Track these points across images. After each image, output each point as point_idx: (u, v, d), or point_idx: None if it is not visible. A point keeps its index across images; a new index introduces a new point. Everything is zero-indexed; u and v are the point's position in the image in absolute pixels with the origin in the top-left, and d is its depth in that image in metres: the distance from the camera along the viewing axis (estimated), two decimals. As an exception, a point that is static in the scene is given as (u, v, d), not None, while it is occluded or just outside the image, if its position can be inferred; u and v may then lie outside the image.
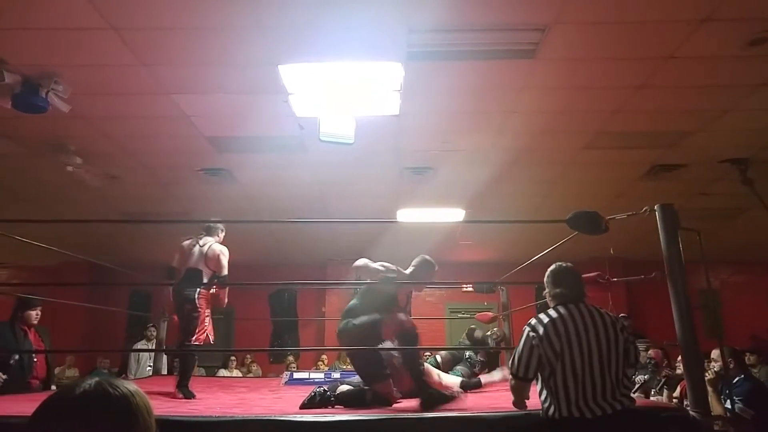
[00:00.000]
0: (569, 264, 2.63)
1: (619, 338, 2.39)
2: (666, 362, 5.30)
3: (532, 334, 2.39)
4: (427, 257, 3.69)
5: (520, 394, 2.47)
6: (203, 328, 4.22)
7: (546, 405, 2.39)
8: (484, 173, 6.31)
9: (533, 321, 2.46)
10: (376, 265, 3.43)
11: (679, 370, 4.51)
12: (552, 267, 2.62)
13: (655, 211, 3.12)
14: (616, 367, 2.35)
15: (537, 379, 2.44)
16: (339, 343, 3.54)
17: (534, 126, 5.18)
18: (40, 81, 4.13)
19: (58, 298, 5.33)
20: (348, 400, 3.16)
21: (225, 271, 4.31)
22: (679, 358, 3.62)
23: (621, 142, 5.54)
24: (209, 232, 4.60)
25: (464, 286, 5.24)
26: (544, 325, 2.38)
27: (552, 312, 2.45)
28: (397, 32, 3.72)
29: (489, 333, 5.77)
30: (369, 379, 3.25)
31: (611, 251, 5.30)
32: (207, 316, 4.30)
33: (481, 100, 4.73)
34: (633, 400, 2.44)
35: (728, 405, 3.97)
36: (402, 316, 3.33)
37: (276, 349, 11.00)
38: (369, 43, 3.83)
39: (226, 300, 4.57)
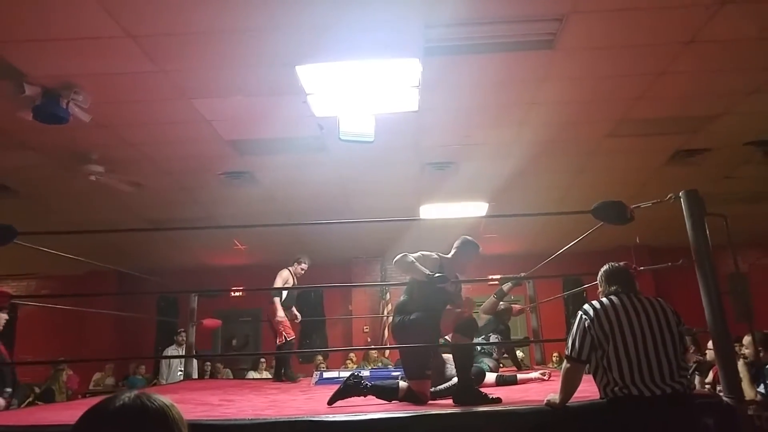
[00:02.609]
0: (620, 263, 2.73)
1: (671, 324, 2.46)
2: (694, 349, 5.24)
3: (584, 317, 2.51)
4: (468, 237, 3.62)
5: (571, 379, 2.52)
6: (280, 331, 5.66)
7: (603, 384, 2.46)
8: (507, 166, 6.28)
9: (586, 306, 2.57)
10: (413, 258, 3.33)
11: (710, 357, 4.46)
12: (604, 268, 2.72)
13: (680, 198, 3.08)
14: (673, 350, 2.41)
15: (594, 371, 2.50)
16: (394, 338, 3.56)
17: (556, 117, 5.14)
18: (60, 92, 4.20)
19: (87, 308, 5.44)
20: (380, 392, 3.22)
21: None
22: (710, 344, 3.58)
23: (644, 128, 5.47)
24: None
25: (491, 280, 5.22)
26: (596, 309, 2.50)
27: (604, 299, 2.57)
28: (413, 28, 3.71)
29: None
30: (410, 375, 3.28)
31: (637, 240, 5.24)
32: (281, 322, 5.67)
33: (501, 93, 4.71)
34: (691, 384, 2.49)
35: (761, 389, 3.91)
36: (456, 308, 3.34)
37: (302, 350, 11.07)
38: (386, 41, 3.83)
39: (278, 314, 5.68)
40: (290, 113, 4.87)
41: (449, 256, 3.56)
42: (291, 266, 5.86)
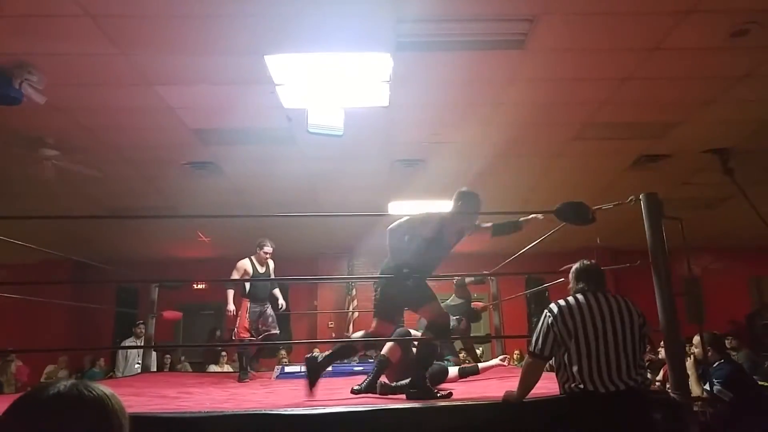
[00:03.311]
0: (591, 261, 2.77)
1: (634, 323, 2.53)
2: (649, 347, 5.41)
3: (548, 315, 2.57)
4: (465, 189, 3.58)
5: (531, 373, 2.59)
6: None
7: (563, 381, 2.54)
8: (474, 165, 6.32)
9: (552, 304, 2.63)
10: (398, 239, 3.29)
11: (661, 355, 4.61)
12: (575, 265, 2.76)
13: (640, 200, 3.16)
14: (632, 348, 2.48)
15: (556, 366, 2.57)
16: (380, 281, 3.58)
17: (523, 117, 5.20)
18: (12, 71, 4.01)
19: (39, 298, 5.23)
20: (339, 355, 3.43)
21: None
22: (662, 343, 3.69)
23: (608, 133, 5.59)
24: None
25: (456, 278, 5.25)
26: (560, 307, 2.57)
27: (570, 298, 2.63)
28: (385, 22, 3.69)
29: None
30: (378, 314, 3.44)
31: (597, 241, 5.36)
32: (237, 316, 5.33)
33: (471, 92, 4.74)
34: (646, 381, 2.56)
35: (707, 387, 4.07)
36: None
37: (264, 342, 10.96)
38: (357, 33, 3.81)
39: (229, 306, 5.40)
40: (258, 103, 4.79)
41: (449, 213, 3.54)
42: (254, 254, 5.48)
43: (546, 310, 2.62)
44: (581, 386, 2.43)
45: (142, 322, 7.14)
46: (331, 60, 4.12)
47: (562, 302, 2.60)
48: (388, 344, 3.81)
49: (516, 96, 4.78)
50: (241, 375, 5.16)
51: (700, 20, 3.72)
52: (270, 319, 5.37)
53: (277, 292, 5.64)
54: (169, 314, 6.08)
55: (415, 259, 3.29)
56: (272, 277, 5.58)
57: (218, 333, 10.49)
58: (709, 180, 6.90)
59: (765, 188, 6.66)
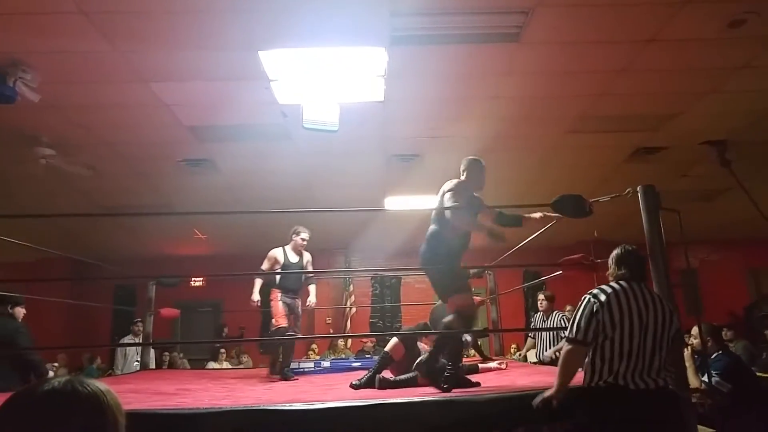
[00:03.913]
0: (634, 246, 2.67)
1: (674, 324, 2.48)
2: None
3: (593, 300, 2.44)
4: (471, 157, 3.74)
5: (572, 362, 2.47)
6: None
7: (592, 371, 2.42)
8: (472, 159, 6.30)
9: (595, 290, 2.50)
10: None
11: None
12: (616, 250, 2.65)
13: (637, 192, 3.16)
14: (666, 347, 2.44)
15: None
16: (422, 265, 3.58)
17: (519, 111, 5.18)
18: (6, 69, 3.99)
19: (39, 296, 5.22)
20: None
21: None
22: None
23: (605, 125, 5.58)
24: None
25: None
26: (607, 294, 2.44)
27: (614, 284, 2.51)
28: (379, 16, 3.67)
29: None
30: (450, 292, 3.37)
31: (594, 234, 5.36)
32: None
33: (467, 86, 4.72)
34: (673, 380, 2.50)
35: (705, 378, 4.09)
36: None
37: (262, 339, 10.96)
38: (351, 28, 3.78)
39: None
40: (253, 99, 4.77)
41: (463, 179, 3.65)
42: (288, 243, 5.04)
43: (589, 296, 2.48)
44: (612, 380, 2.35)
45: (140, 320, 7.12)
46: (326, 55, 4.10)
47: (608, 288, 2.47)
48: (393, 341, 3.82)
49: (512, 89, 4.76)
50: (286, 372, 4.62)
51: (696, 11, 3.70)
52: (299, 320, 5.00)
53: (312, 288, 5.20)
54: (166, 312, 6.05)
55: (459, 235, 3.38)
56: (309, 269, 5.14)
57: (225, 331, 10.47)
58: (706, 172, 6.90)
59: (763, 180, 6.67)
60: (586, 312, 2.43)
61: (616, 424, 2.34)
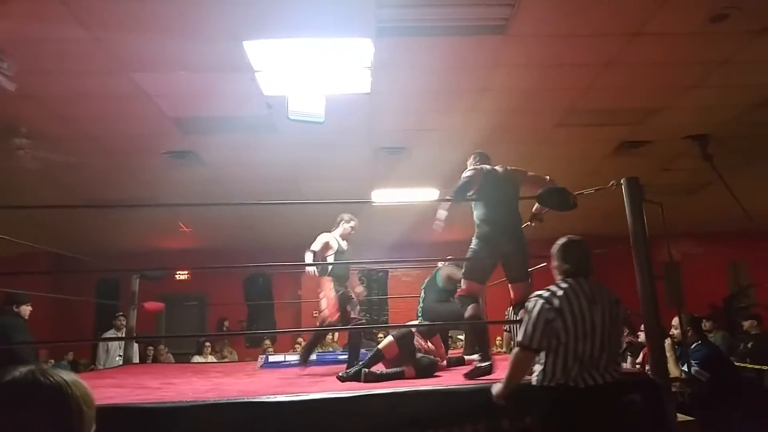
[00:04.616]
0: (578, 237, 2.60)
1: (619, 314, 2.48)
2: (628, 331, 5.50)
3: (546, 306, 2.39)
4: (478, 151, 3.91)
5: (521, 368, 2.46)
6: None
7: (544, 373, 2.41)
8: (458, 153, 6.26)
9: (545, 293, 2.44)
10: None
11: (641, 338, 4.69)
12: (561, 240, 2.59)
13: (621, 185, 3.19)
14: (615, 341, 2.49)
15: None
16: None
17: (505, 104, 5.19)
18: (-21, 57, 3.88)
19: (18, 290, 5.13)
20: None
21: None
22: (642, 326, 3.76)
23: (591, 119, 5.61)
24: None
25: (440, 263, 5.24)
26: (559, 298, 2.40)
27: (563, 284, 2.47)
28: (365, 6, 3.64)
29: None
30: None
31: (578, 226, 5.40)
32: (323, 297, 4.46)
33: (453, 78, 4.71)
34: (621, 371, 2.53)
35: (685, 368, 4.16)
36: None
37: (250, 332, 10.92)
38: (337, 18, 3.75)
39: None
40: (237, 90, 4.71)
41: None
42: (334, 228, 4.65)
43: (538, 299, 2.42)
44: (563, 381, 2.36)
45: (122, 314, 7.04)
46: (312, 46, 4.06)
47: (559, 291, 2.43)
48: (388, 339, 3.81)
49: (499, 82, 4.76)
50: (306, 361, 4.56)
51: (679, 5, 3.72)
52: (357, 307, 4.56)
53: (355, 278, 4.86)
54: (150, 305, 6.01)
55: None
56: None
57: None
58: (689, 166, 6.97)
59: (743, 174, 6.77)
60: (540, 319, 2.38)
61: (567, 423, 2.36)
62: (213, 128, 5.51)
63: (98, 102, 4.87)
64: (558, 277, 2.53)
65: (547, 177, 3.68)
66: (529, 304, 2.45)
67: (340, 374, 3.54)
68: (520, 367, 2.45)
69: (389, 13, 3.73)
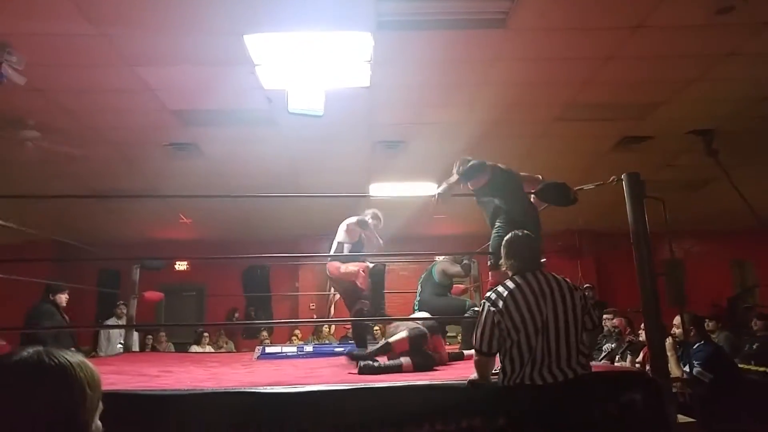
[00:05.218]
0: (523, 232, 2.61)
1: (576, 305, 2.41)
2: (629, 330, 5.48)
3: (492, 309, 2.40)
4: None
5: (484, 370, 2.50)
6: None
7: (504, 373, 2.43)
8: (457, 147, 6.26)
9: (492, 295, 2.45)
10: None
11: (642, 337, 4.66)
12: (506, 237, 2.60)
13: (622, 180, 3.17)
14: (574, 333, 2.38)
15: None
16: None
17: (505, 98, 5.16)
18: (-8, 51, 3.92)
19: (21, 277, 5.16)
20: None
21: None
22: (643, 324, 3.74)
23: (591, 113, 5.57)
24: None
25: (437, 258, 5.24)
26: (504, 299, 2.39)
27: (510, 283, 2.45)
28: (365, 0, 3.62)
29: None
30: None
31: (579, 222, 5.40)
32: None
33: (453, 72, 4.69)
34: (589, 366, 2.46)
35: (687, 368, 4.12)
36: None
37: (248, 322, 10.97)
38: (337, 12, 3.74)
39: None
40: (238, 84, 4.71)
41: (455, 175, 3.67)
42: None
43: (487, 303, 2.42)
44: (520, 379, 2.34)
45: (123, 302, 7.08)
46: (311, 39, 4.05)
47: (503, 291, 2.41)
48: (400, 335, 3.77)
49: (498, 76, 4.74)
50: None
51: (682, -3, 3.69)
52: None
53: None
54: (150, 295, 6.04)
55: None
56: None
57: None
58: (692, 162, 6.91)
59: (748, 170, 6.69)
60: (487, 323, 2.38)
61: (527, 421, 2.34)
62: (214, 121, 5.52)
63: (102, 95, 4.91)
64: (509, 274, 2.54)
65: (539, 176, 3.64)
66: (479, 309, 2.46)
67: (354, 352, 3.66)
68: (483, 369, 2.49)
69: (389, 7, 3.72)
